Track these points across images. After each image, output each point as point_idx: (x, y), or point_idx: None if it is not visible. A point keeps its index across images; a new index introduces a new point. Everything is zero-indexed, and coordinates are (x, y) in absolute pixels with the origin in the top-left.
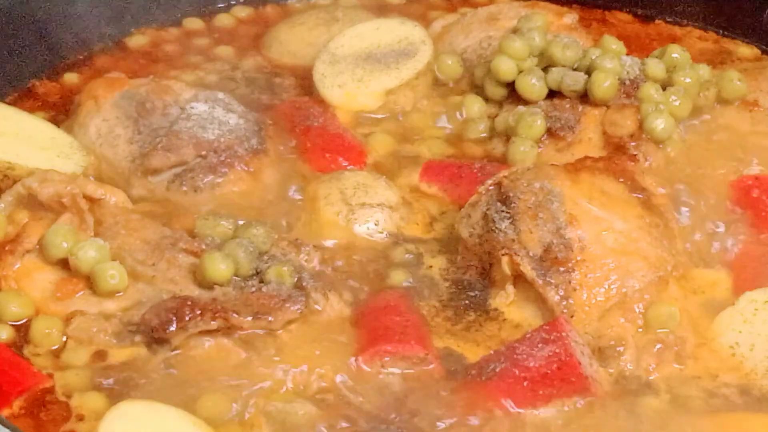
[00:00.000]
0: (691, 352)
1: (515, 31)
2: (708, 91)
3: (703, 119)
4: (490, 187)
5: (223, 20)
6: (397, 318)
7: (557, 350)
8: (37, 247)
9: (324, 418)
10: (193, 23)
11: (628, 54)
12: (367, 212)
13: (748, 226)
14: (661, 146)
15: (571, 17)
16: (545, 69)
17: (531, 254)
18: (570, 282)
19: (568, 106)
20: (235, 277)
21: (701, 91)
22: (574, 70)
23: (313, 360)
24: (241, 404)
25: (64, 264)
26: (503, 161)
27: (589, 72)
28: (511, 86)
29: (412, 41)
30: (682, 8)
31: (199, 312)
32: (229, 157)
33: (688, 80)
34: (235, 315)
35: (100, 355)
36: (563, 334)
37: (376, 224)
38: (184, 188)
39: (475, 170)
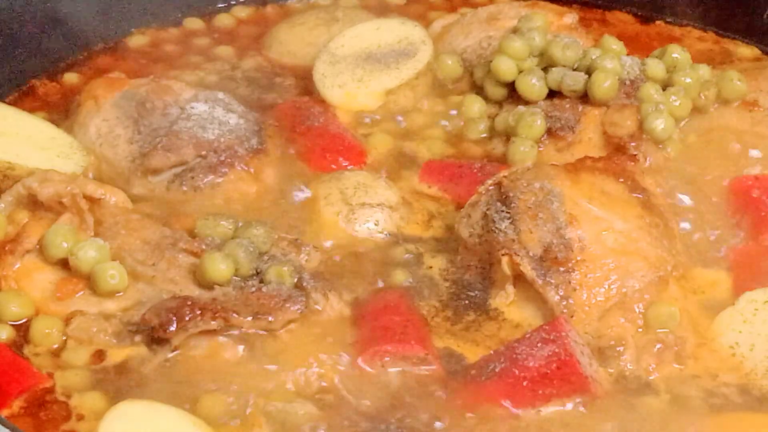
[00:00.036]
0: (691, 352)
1: (515, 31)
2: (708, 91)
3: (703, 119)
4: (490, 187)
5: (223, 20)
6: (397, 318)
7: (557, 350)
8: (37, 247)
9: (324, 418)
10: (193, 23)
11: (628, 54)
12: (367, 212)
13: (748, 226)
14: (661, 146)
15: (571, 17)
16: (545, 69)
17: (531, 254)
18: (570, 282)
19: (568, 106)
20: (235, 277)
21: (701, 91)
22: (574, 70)
23: (313, 360)
24: (241, 404)
25: (64, 264)
26: (503, 161)
27: (589, 72)
28: (511, 86)
29: (412, 41)
30: (682, 8)
31: (199, 312)
32: (229, 157)
33: (688, 80)
34: (235, 315)
35: (99, 354)
36: (563, 333)
37: (376, 224)
38: (184, 188)
39: (475, 170)
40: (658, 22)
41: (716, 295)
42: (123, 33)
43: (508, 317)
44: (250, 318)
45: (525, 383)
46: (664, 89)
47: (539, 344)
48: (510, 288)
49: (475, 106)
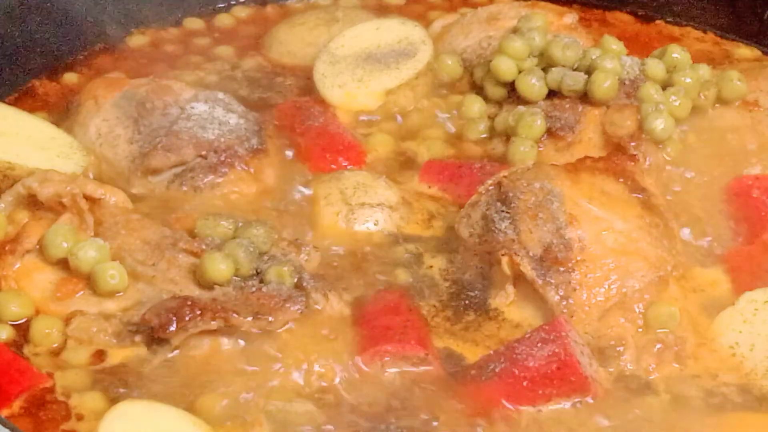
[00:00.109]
0: (691, 352)
1: (515, 31)
2: (708, 91)
3: (703, 119)
4: (490, 187)
5: (223, 20)
6: (397, 318)
7: (557, 350)
8: (37, 247)
9: (324, 418)
10: (193, 23)
11: (628, 54)
12: (367, 212)
13: (748, 226)
14: (661, 146)
15: (571, 17)
16: (545, 69)
17: (531, 254)
18: (570, 282)
19: (568, 106)
20: (235, 277)
21: (701, 91)
22: (574, 70)
23: (313, 360)
24: (241, 404)
25: (64, 264)
26: (503, 161)
27: (589, 72)
28: (511, 86)
29: (412, 41)
30: (682, 8)
31: (199, 312)
32: (229, 157)
33: (688, 80)
34: (235, 315)
35: (99, 354)
36: (563, 333)
37: (375, 224)
38: (184, 188)
39: (475, 170)
40: (658, 22)
41: (716, 295)
42: (123, 33)
43: (508, 317)
44: (250, 318)
45: (525, 383)
46: (664, 89)
47: (539, 344)
48: (510, 288)
49: (475, 106)
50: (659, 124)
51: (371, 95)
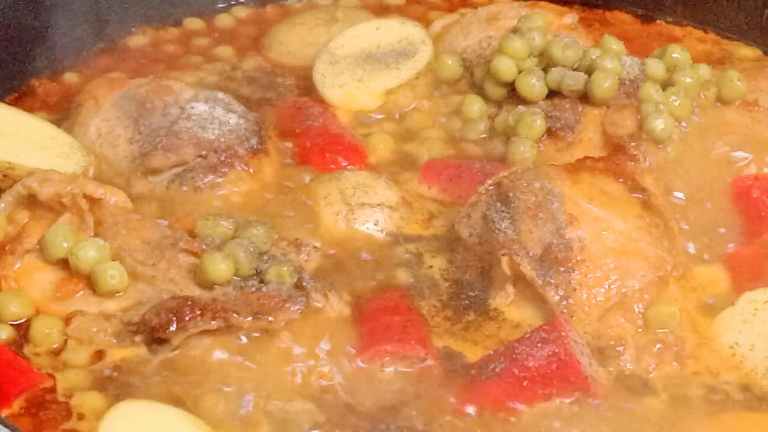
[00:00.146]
0: (691, 351)
1: (515, 31)
2: (708, 91)
3: (703, 119)
4: (490, 187)
5: (223, 20)
6: (397, 318)
7: (557, 350)
8: (37, 247)
9: (324, 418)
10: (193, 23)
11: (628, 54)
12: (366, 212)
13: (748, 226)
14: (661, 146)
15: (571, 17)
16: (545, 69)
17: (531, 254)
18: (570, 282)
19: (568, 106)
20: (235, 277)
21: (701, 91)
22: (574, 70)
23: (313, 360)
24: (241, 404)
25: (64, 264)
26: (503, 161)
27: (589, 72)
28: (511, 86)
29: (412, 41)
30: (682, 8)
31: (199, 312)
32: (229, 157)
33: (688, 80)
34: (235, 315)
35: (99, 355)
36: (563, 333)
37: (375, 224)
38: (184, 188)
39: (475, 170)
40: (658, 22)
41: (716, 295)
42: (123, 33)
43: (508, 317)
44: (250, 318)
45: (525, 383)
46: (664, 89)
47: (539, 344)
48: (510, 288)
49: (475, 106)
50: (659, 124)
51: (371, 95)
